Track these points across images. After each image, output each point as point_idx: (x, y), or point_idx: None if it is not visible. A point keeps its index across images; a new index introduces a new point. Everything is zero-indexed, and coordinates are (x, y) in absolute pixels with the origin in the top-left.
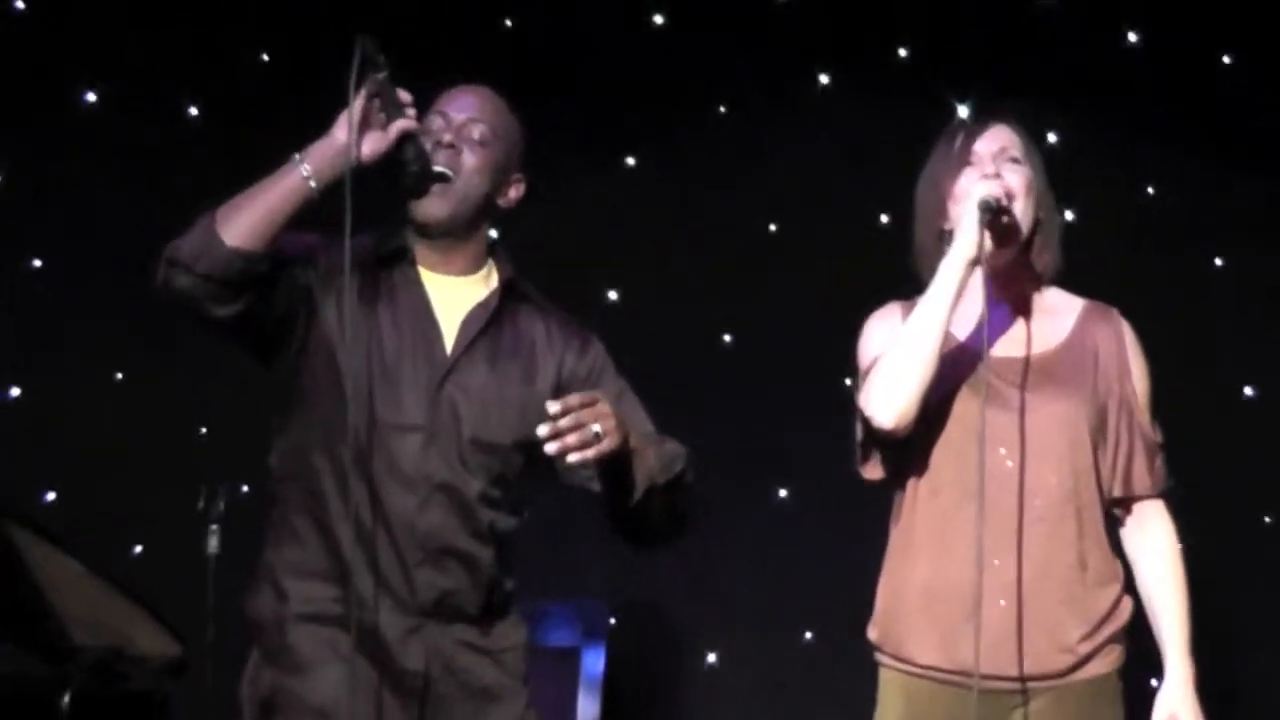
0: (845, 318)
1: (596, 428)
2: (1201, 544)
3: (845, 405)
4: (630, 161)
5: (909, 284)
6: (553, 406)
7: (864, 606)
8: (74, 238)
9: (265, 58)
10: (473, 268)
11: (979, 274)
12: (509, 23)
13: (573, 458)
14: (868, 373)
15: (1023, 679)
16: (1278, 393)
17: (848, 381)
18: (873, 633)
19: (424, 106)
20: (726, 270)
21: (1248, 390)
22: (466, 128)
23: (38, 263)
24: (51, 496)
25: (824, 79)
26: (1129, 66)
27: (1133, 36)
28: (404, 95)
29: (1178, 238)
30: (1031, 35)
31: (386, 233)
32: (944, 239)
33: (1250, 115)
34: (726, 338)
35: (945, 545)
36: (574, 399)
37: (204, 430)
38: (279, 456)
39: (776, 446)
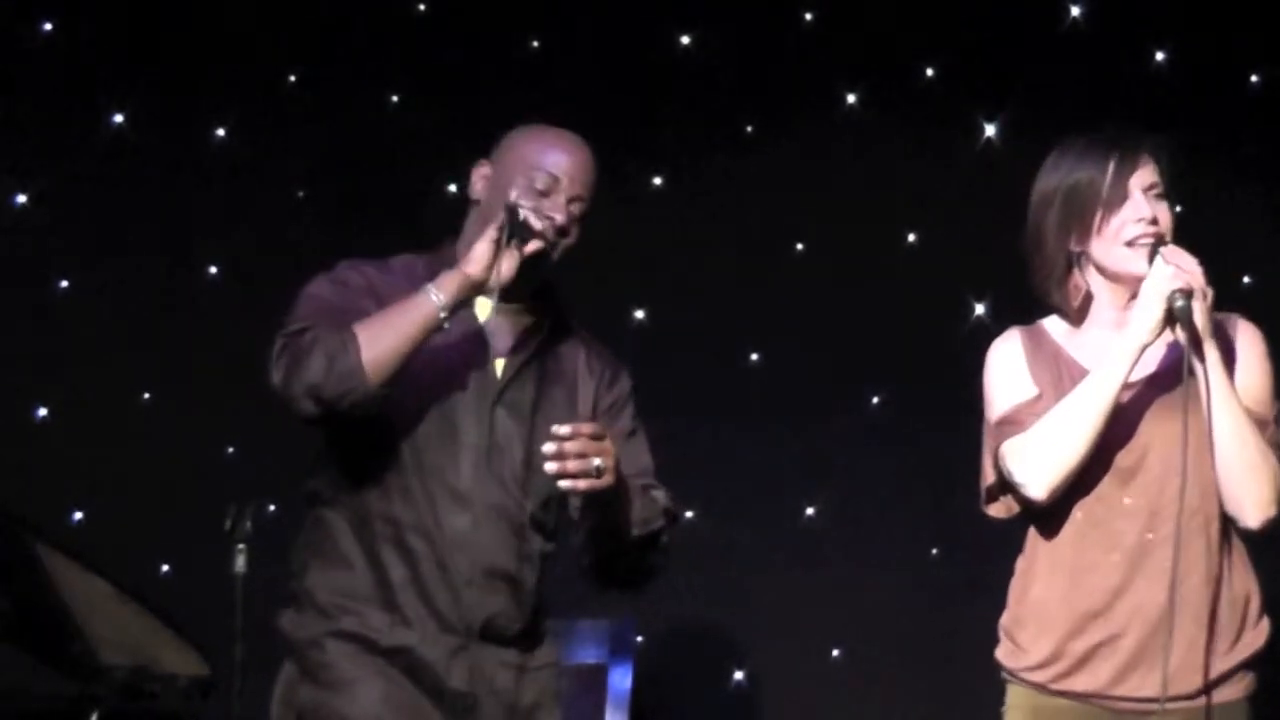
0: (872, 337)
1: (598, 462)
2: None
3: (871, 423)
4: (657, 181)
5: (936, 303)
6: (563, 429)
7: (892, 624)
8: (101, 258)
9: (292, 79)
10: (522, 295)
11: (1110, 305)
12: (536, 43)
13: (565, 484)
14: (1007, 422)
15: (1154, 700)
16: None
17: (875, 400)
18: (1001, 653)
19: (455, 129)
20: (754, 289)
21: None
22: (573, 205)
23: (64, 283)
24: (79, 516)
25: (851, 98)
26: (1156, 85)
27: (1160, 55)
28: (535, 223)
29: (1206, 255)
30: (1058, 54)
31: (435, 258)
32: (1074, 261)
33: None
34: (754, 356)
35: (1075, 573)
36: (586, 427)
37: (231, 449)
38: (326, 482)
39: (804, 465)
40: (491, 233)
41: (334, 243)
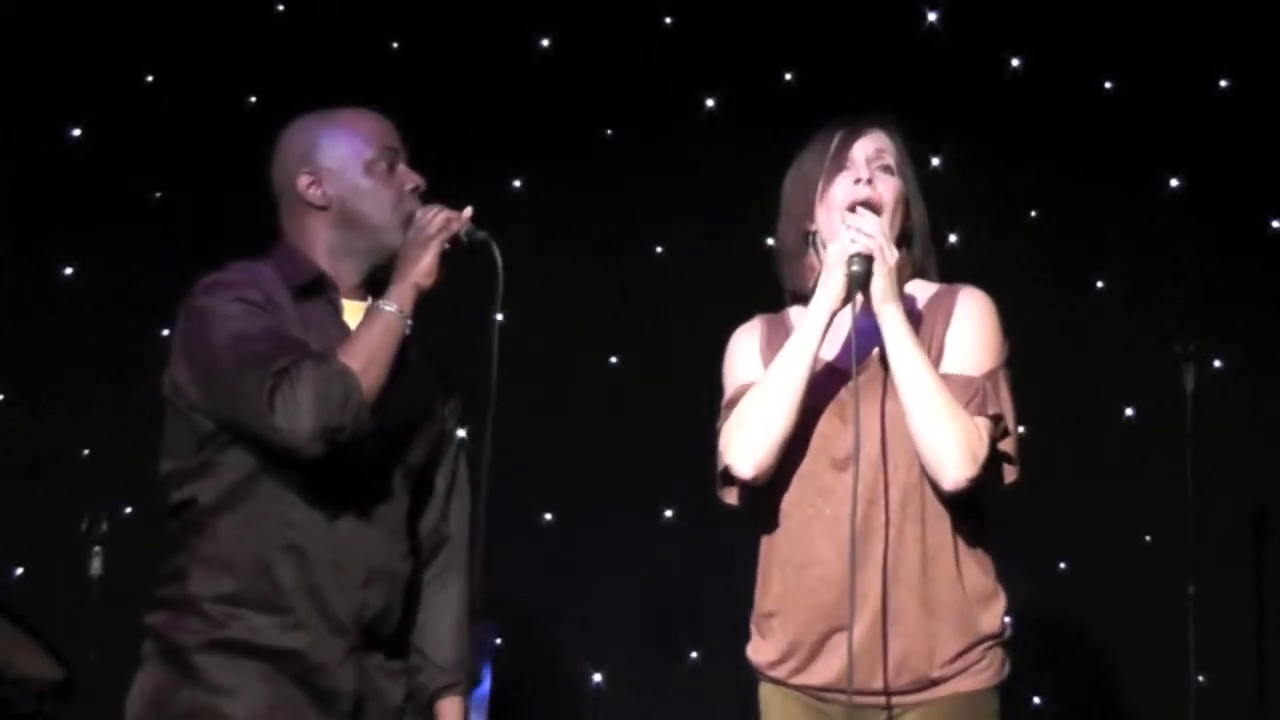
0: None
1: None
2: (1082, 563)
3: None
4: (516, 184)
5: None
6: None
7: (748, 627)
8: None
9: (149, 79)
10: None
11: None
12: (395, 44)
13: None
14: (730, 404)
15: (888, 693)
16: (1157, 413)
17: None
18: (749, 649)
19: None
20: (613, 292)
21: (1128, 411)
22: (410, 166)
23: None
24: None
25: (710, 102)
26: (1012, 91)
27: (1015, 61)
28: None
29: (1059, 260)
30: (916, 59)
31: (288, 260)
32: (809, 241)
33: (1130, 140)
34: (613, 359)
35: (801, 565)
36: None
37: (86, 452)
38: (210, 488)
39: (663, 467)
40: (436, 246)
41: (190, 245)
